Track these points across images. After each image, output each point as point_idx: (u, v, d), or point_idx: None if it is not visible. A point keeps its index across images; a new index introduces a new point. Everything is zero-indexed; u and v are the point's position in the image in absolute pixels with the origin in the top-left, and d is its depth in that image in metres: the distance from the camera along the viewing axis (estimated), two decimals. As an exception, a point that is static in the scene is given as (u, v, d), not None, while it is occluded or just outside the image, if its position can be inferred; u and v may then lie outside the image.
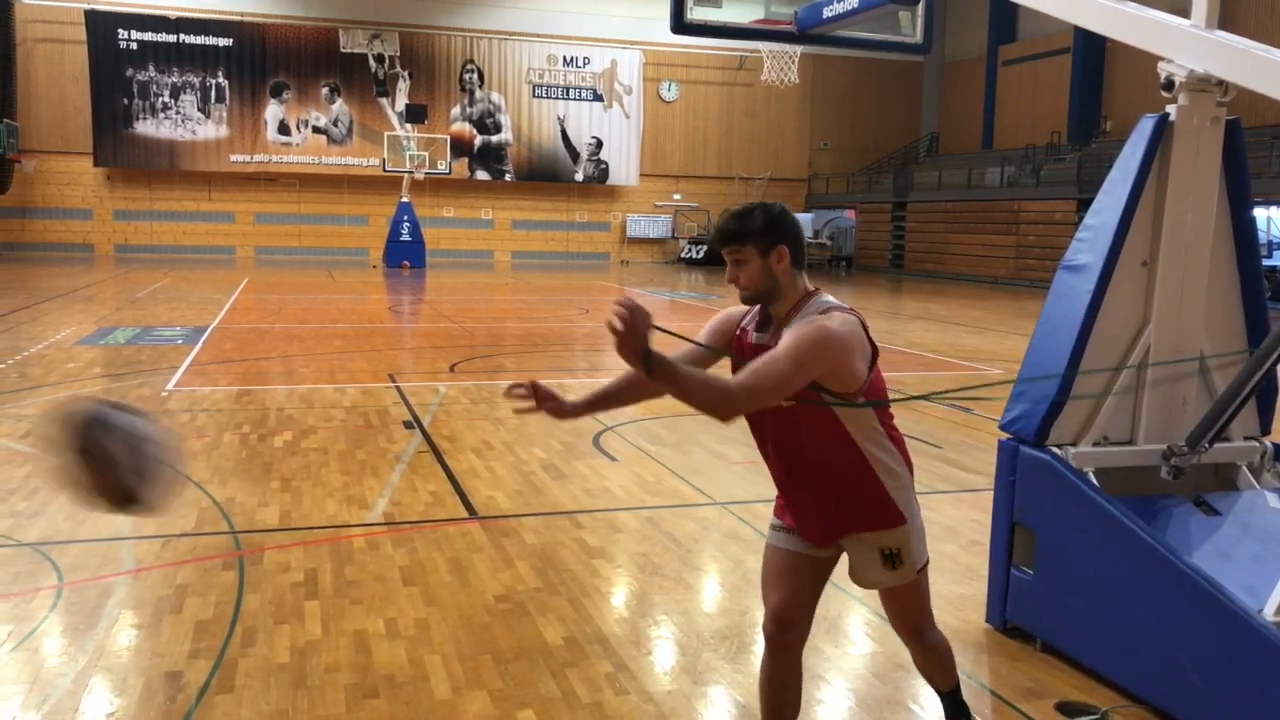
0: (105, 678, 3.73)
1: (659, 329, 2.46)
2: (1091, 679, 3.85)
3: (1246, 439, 4.28)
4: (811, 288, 2.81)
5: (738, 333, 2.91)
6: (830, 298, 2.80)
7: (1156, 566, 3.53)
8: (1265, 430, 4.33)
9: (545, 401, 2.92)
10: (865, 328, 2.75)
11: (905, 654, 4.08)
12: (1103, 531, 3.74)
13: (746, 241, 2.76)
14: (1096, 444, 4.10)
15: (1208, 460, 4.09)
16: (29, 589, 4.57)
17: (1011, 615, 4.22)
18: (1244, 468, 4.27)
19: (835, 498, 2.87)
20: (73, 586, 4.61)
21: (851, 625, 4.41)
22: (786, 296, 2.78)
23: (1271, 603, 3.30)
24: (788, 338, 2.63)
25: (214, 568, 4.89)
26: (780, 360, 2.56)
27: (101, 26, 31.88)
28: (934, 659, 3.18)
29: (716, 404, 2.51)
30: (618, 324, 2.37)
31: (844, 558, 3.01)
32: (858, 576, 2.99)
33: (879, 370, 2.81)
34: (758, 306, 2.87)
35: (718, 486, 6.51)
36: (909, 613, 3.07)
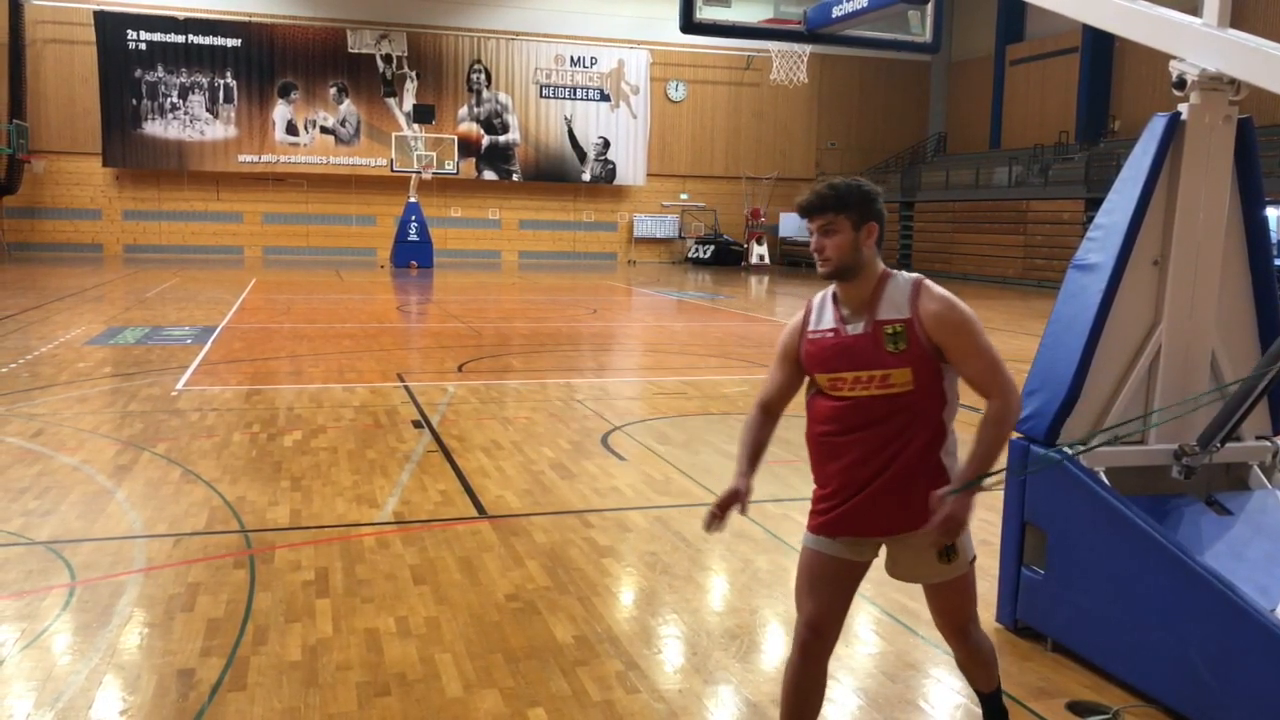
0: (118, 675, 3.75)
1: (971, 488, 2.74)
2: (1102, 678, 3.84)
3: (1258, 438, 4.27)
4: (890, 270, 2.87)
5: (809, 336, 2.91)
6: (906, 272, 2.87)
7: (1168, 566, 3.52)
8: (1277, 430, 4.32)
9: (733, 502, 2.94)
10: None
11: (916, 653, 4.10)
12: (1114, 531, 3.74)
13: (842, 211, 2.79)
14: (1108, 444, 4.10)
15: (1219, 460, 4.08)
16: (41, 587, 4.59)
17: (1022, 614, 4.22)
18: (1256, 467, 4.26)
19: (913, 485, 2.82)
20: (85, 585, 4.63)
21: (861, 624, 4.41)
22: (867, 275, 2.82)
23: (1284, 602, 3.29)
24: (953, 331, 2.75)
25: (225, 566, 4.90)
26: (983, 351, 2.76)
27: (110, 27, 31.95)
28: (980, 658, 3.15)
29: (1009, 430, 2.79)
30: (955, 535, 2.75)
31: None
32: (905, 572, 2.97)
33: None
34: (818, 302, 2.92)
35: (726, 486, 6.50)
36: (957, 608, 3.04)
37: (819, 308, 2.94)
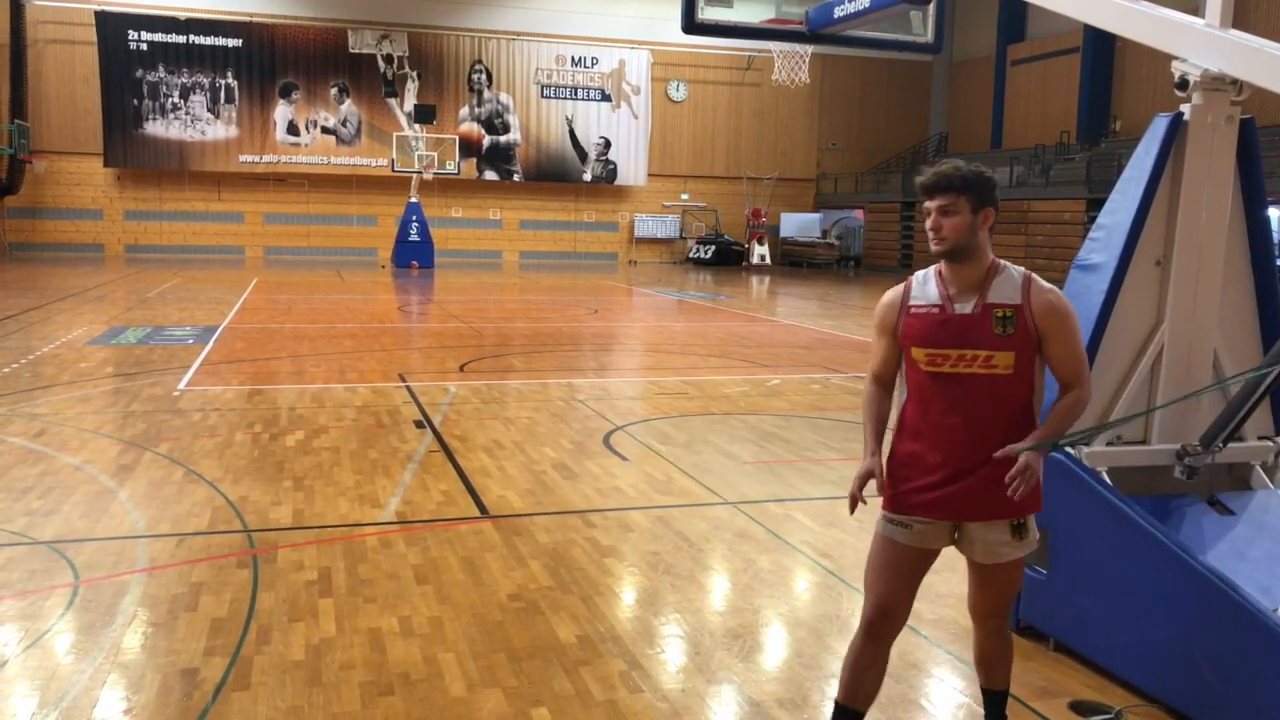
0: (122, 674, 3.76)
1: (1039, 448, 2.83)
2: (1105, 678, 3.84)
3: (1260, 438, 4.28)
4: (1000, 262, 2.93)
5: (911, 309, 2.95)
6: (1018, 267, 2.94)
7: (1171, 566, 3.53)
8: (1279, 430, 4.32)
9: (868, 482, 2.97)
10: None
11: (919, 652, 4.10)
12: (1117, 531, 3.74)
13: (964, 193, 2.85)
14: (1110, 443, 4.11)
15: (1221, 460, 4.09)
16: (45, 587, 4.59)
17: (1025, 615, 4.22)
18: (1258, 467, 4.27)
19: (1005, 470, 2.85)
20: (88, 584, 4.63)
21: (864, 624, 4.41)
22: (980, 259, 2.89)
23: (1287, 602, 3.30)
24: (1061, 322, 2.85)
25: (228, 566, 4.91)
26: (1078, 345, 2.88)
27: (111, 28, 31.97)
28: (1006, 650, 3.20)
29: (1078, 416, 2.89)
30: (1031, 483, 2.78)
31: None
32: (981, 551, 2.99)
33: None
34: (920, 279, 2.98)
35: (728, 486, 6.51)
36: (1006, 590, 3.08)
37: (921, 283, 3.00)
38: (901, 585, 3.00)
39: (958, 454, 2.89)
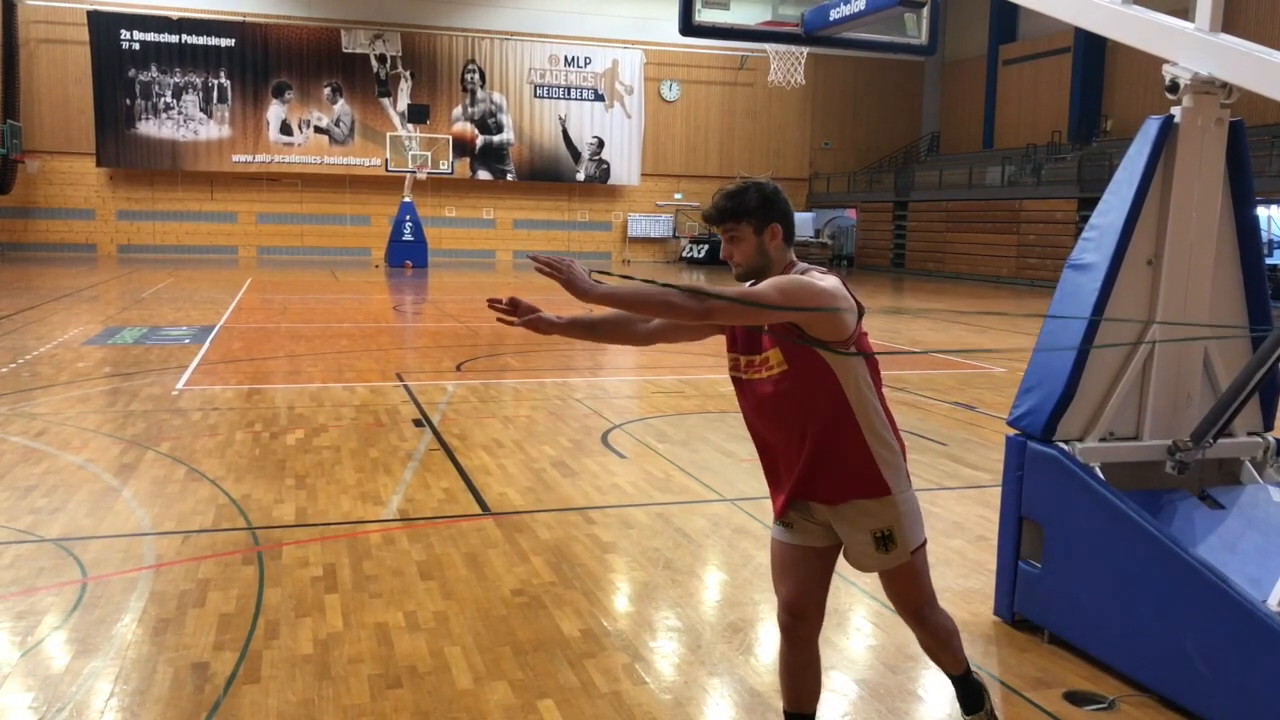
0: (133, 668, 3.81)
1: (602, 273, 2.77)
2: (1099, 669, 3.93)
3: (1250, 434, 4.36)
4: (796, 261, 2.96)
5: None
6: (805, 264, 2.95)
7: (1162, 559, 3.61)
8: (1268, 426, 4.41)
9: (526, 314, 2.97)
10: (848, 287, 2.87)
11: (915, 645, 4.16)
12: (1110, 525, 3.82)
13: (742, 219, 2.90)
14: (1103, 439, 4.19)
15: (1212, 455, 4.17)
16: (54, 583, 4.65)
17: (1020, 608, 4.30)
18: (1247, 463, 4.35)
19: (822, 454, 2.89)
20: (96, 581, 4.69)
21: (860, 617, 4.49)
22: (775, 273, 2.91)
23: (1275, 594, 3.38)
24: (785, 299, 2.73)
25: (234, 563, 4.97)
26: (762, 287, 2.75)
27: (104, 27, 31.95)
28: (940, 641, 3.22)
29: (683, 304, 2.67)
30: (555, 275, 2.66)
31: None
32: (855, 562, 3.04)
33: (864, 331, 2.93)
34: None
35: (726, 483, 6.59)
36: (907, 595, 3.11)
37: None
38: (801, 585, 3.02)
39: (779, 455, 2.98)
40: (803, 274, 2.85)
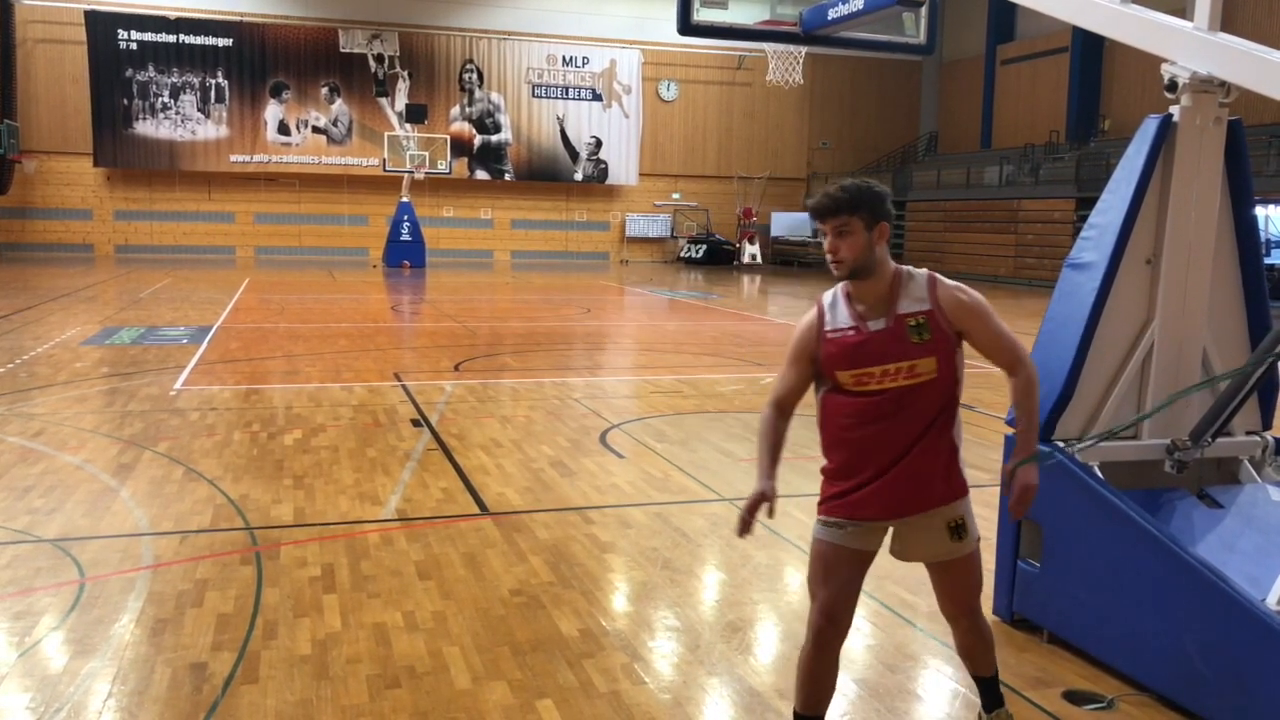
0: (132, 668, 3.81)
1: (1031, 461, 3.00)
2: (1098, 668, 3.93)
3: (1248, 434, 4.36)
4: (898, 265, 2.98)
5: (827, 335, 2.98)
6: (914, 268, 3.00)
7: (1161, 558, 3.61)
8: (1267, 425, 4.41)
9: (759, 508, 2.98)
10: None
11: (914, 645, 4.17)
12: (1109, 524, 3.82)
13: (856, 213, 2.87)
14: (1104, 438, 4.18)
15: (1210, 455, 4.17)
16: (51, 584, 4.64)
17: (1019, 607, 4.30)
18: (1246, 462, 4.35)
19: (930, 465, 2.93)
20: (94, 581, 4.68)
21: (860, 617, 4.47)
22: (882, 273, 2.92)
23: (1274, 593, 3.38)
24: (976, 316, 2.91)
25: (232, 563, 4.96)
26: (1002, 330, 2.95)
27: (101, 27, 31.88)
28: (985, 640, 3.25)
29: (1037, 389, 3.04)
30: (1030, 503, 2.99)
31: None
32: (916, 552, 3.06)
33: None
34: (829, 300, 3.01)
35: (724, 483, 6.58)
36: (968, 587, 3.13)
37: (831, 307, 3.01)
38: (844, 589, 3.02)
39: (885, 457, 2.94)
40: (937, 278, 2.96)
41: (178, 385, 9.75)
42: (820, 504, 3.08)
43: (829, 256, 2.92)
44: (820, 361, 3.00)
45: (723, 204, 37.61)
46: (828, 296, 3.05)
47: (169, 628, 4.17)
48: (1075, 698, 3.74)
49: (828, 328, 2.98)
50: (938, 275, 2.97)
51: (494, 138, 35.73)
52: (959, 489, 3.01)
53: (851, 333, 2.93)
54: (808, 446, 7.35)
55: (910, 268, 2.98)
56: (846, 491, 3.00)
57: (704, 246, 35.85)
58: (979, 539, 3.09)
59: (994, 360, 3.00)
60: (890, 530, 3.06)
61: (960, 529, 3.01)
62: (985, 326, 2.93)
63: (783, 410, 3.09)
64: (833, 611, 3.01)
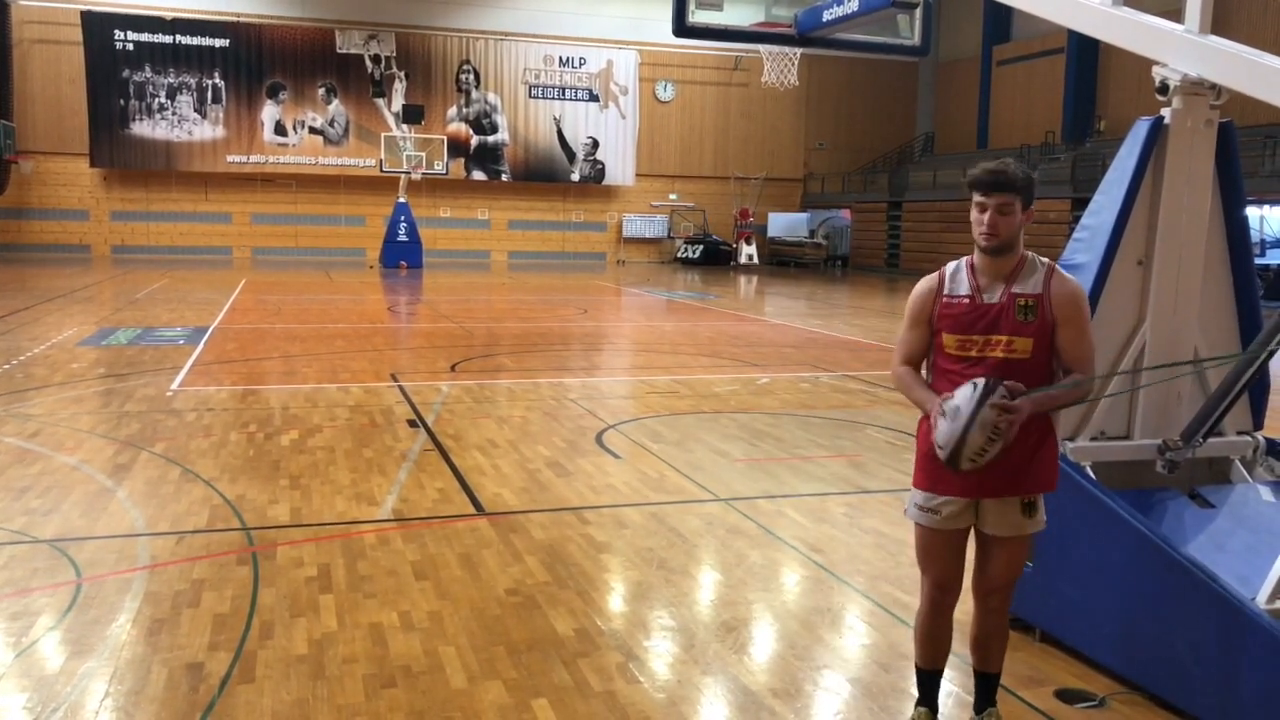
0: (128, 669, 3.82)
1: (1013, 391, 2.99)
2: (1090, 667, 3.95)
3: (1239, 434, 4.39)
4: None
5: (944, 299, 3.15)
6: (1043, 259, 3.14)
7: (1153, 557, 3.63)
8: (1257, 425, 4.44)
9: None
10: None
11: (908, 644, 4.18)
12: (1100, 524, 3.84)
13: (1020, 194, 3.03)
14: (1094, 439, 4.21)
15: (1202, 454, 4.20)
16: (48, 584, 4.65)
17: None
18: (1237, 461, 4.37)
19: (1021, 448, 3.06)
20: (90, 581, 4.69)
21: (854, 616, 4.51)
22: (1016, 253, 3.11)
23: (1264, 591, 3.40)
24: (1076, 312, 3.07)
25: (228, 563, 4.97)
26: (1088, 336, 3.10)
27: (97, 28, 31.86)
28: (1002, 631, 3.37)
29: (1084, 396, 3.18)
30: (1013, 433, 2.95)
31: None
32: (992, 524, 3.20)
33: None
34: (951, 270, 3.17)
35: (720, 483, 6.60)
36: (1014, 564, 3.27)
37: (953, 275, 3.19)
38: (948, 562, 3.26)
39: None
40: (1055, 269, 3.10)
41: (174, 386, 9.76)
42: (921, 479, 3.23)
43: (984, 229, 3.05)
44: (934, 323, 3.17)
45: (719, 204, 37.63)
46: (951, 266, 3.22)
47: (165, 628, 4.19)
48: (1067, 696, 3.76)
49: (946, 292, 3.16)
50: (1057, 265, 3.13)
51: (491, 138, 35.74)
52: (1044, 481, 3.18)
53: (966, 300, 3.12)
54: (801, 446, 7.40)
55: (1035, 254, 3.13)
56: (939, 476, 3.17)
57: (700, 247, 35.88)
58: (1044, 523, 3.24)
59: (1066, 356, 3.10)
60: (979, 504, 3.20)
61: (1032, 506, 3.18)
62: (1078, 325, 3.08)
63: (912, 365, 3.27)
64: (943, 582, 3.27)
